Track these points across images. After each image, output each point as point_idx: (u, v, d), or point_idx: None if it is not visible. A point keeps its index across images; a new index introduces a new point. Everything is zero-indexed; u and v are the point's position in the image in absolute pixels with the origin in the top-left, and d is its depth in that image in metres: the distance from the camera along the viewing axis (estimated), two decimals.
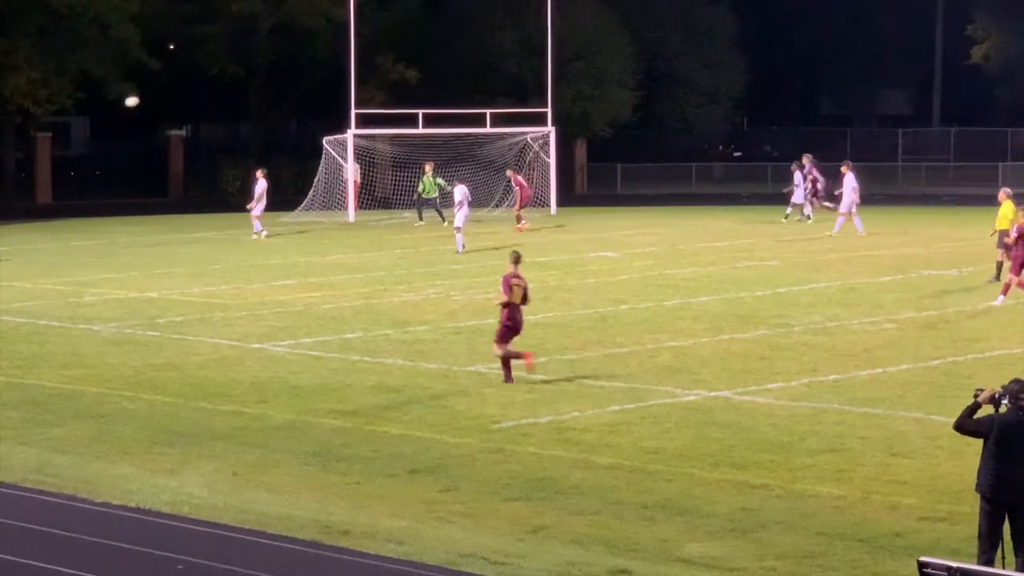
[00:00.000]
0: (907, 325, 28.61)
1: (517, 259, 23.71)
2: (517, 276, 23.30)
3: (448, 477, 17.80)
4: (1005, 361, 24.29)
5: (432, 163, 53.35)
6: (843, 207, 46.71)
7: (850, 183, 46.67)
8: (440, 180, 52.35)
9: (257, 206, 48.45)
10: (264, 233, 48.07)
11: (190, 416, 21.29)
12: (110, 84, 64.18)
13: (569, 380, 23.37)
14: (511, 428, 20.24)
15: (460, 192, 44.48)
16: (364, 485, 17.50)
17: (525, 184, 51.78)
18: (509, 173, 52.33)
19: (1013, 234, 31.74)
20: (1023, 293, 31.29)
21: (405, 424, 20.59)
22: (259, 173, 49.41)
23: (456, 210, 44.00)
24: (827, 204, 50.54)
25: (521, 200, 50.96)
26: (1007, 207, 34.53)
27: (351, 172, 55.30)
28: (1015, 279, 31.22)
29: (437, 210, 52.59)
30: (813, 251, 41.56)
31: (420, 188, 53.18)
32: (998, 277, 33.67)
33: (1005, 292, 31.28)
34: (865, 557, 14.63)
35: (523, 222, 50.27)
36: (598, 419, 20.70)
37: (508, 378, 23.17)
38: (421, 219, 53.19)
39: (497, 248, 43.85)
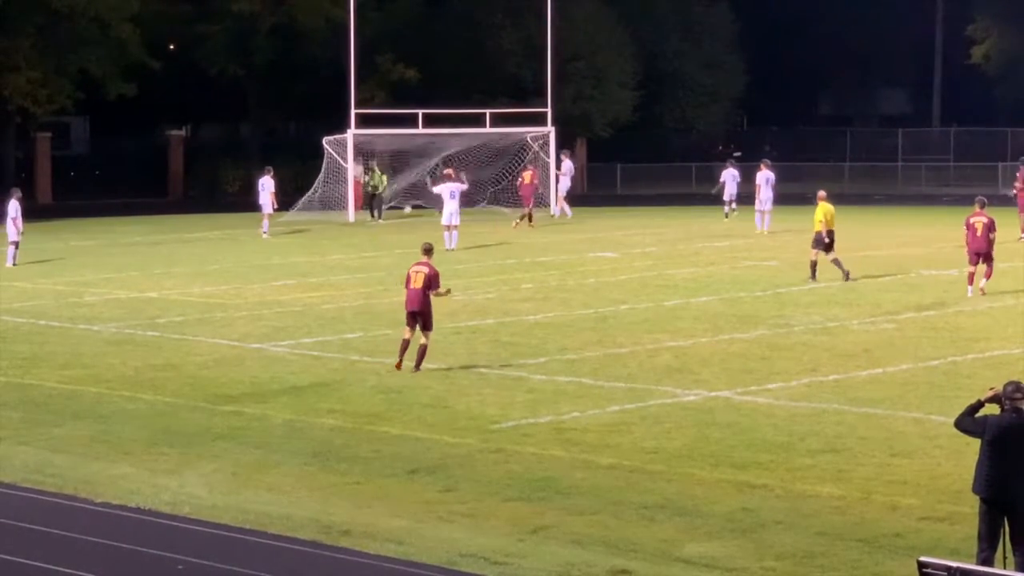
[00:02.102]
0: (907, 325, 28.61)
1: (426, 249, 24.77)
2: (419, 264, 24.30)
3: (448, 477, 17.80)
4: (1005, 361, 24.30)
5: (377, 161, 56.21)
6: (758, 204, 48.17)
7: (764, 180, 48.11)
8: (383, 177, 55.74)
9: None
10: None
11: (190, 416, 21.30)
12: (110, 84, 64.13)
13: (569, 380, 23.37)
14: (511, 428, 20.25)
15: (446, 189, 44.71)
16: (364, 485, 17.50)
17: (527, 183, 52.26)
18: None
19: (967, 226, 32.69)
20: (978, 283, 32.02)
21: (405, 424, 20.59)
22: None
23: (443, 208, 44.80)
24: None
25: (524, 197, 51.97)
26: (823, 208, 35.37)
27: (351, 172, 55.37)
28: (973, 269, 32.41)
29: (377, 208, 55.17)
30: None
31: (371, 185, 55.60)
32: (812, 275, 34.87)
33: (971, 282, 32.38)
34: (865, 557, 14.63)
35: (515, 222, 50.94)
36: (598, 419, 20.71)
37: (398, 366, 23.96)
38: (376, 217, 55.01)
39: (496, 245, 43.89)
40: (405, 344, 24.15)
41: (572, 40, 69.78)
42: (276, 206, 49.89)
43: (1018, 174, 47.48)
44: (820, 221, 35.07)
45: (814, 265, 35.08)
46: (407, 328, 24.18)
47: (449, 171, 53.81)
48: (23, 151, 67.10)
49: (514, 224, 50.55)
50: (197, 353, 26.26)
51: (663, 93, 79.41)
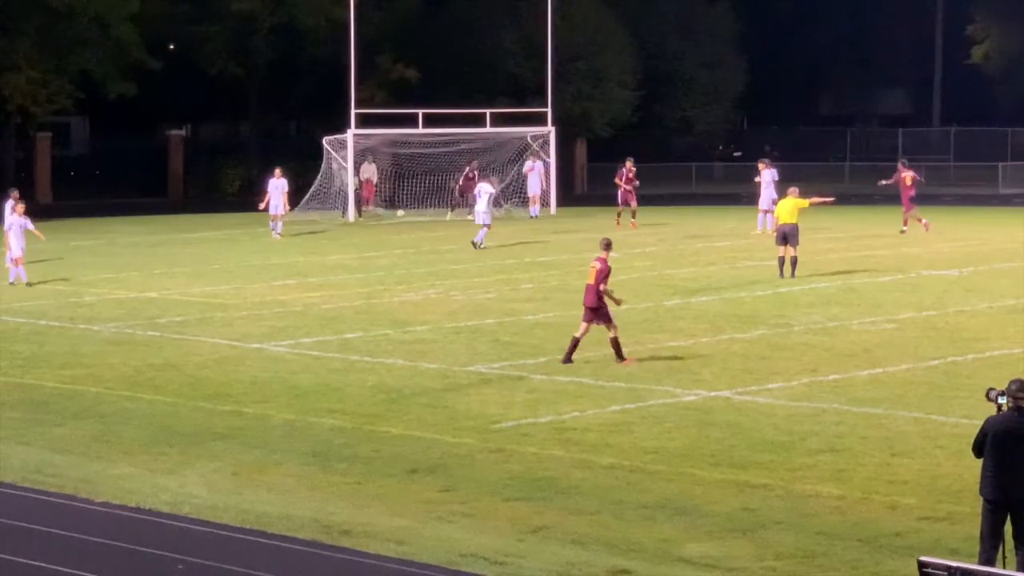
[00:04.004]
0: (907, 325, 28.61)
1: (605, 245, 25.34)
2: (596, 259, 24.80)
3: (448, 477, 17.80)
4: (1005, 361, 24.29)
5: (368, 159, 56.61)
6: (763, 204, 47.65)
7: (768, 180, 47.92)
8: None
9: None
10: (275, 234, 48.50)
11: (190, 416, 21.30)
12: (110, 84, 64.14)
13: (569, 380, 23.37)
14: (511, 428, 20.25)
15: (482, 188, 45.11)
16: (364, 485, 17.50)
17: (626, 179, 51.63)
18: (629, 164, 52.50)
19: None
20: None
21: (405, 424, 20.59)
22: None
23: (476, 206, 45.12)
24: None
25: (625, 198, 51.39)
26: (791, 202, 35.91)
27: (351, 171, 55.39)
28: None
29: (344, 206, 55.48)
30: (813, 251, 41.52)
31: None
32: (792, 273, 35.10)
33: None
34: (865, 557, 14.64)
35: (631, 223, 50.73)
36: (598, 419, 20.71)
37: (619, 357, 24.35)
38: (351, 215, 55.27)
39: (497, 245, 43.89)
40: (575, 341, 24.50)
41: (572, 40, 69.79)
42: (288, 207, 49.60)
43: (899, 176, 47.86)
44: (776, 216, 36.11)
45: (780, 261, 35.41)
46: (582, 324, 24.52)
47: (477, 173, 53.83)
48: (23, 151, 67.08)
49: (632, 224, 50.10)
50: (197, 353, 26.26)
51: (663, 93, 79.37)
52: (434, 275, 37.12)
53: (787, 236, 35.16)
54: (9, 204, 37.44)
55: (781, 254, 35.36)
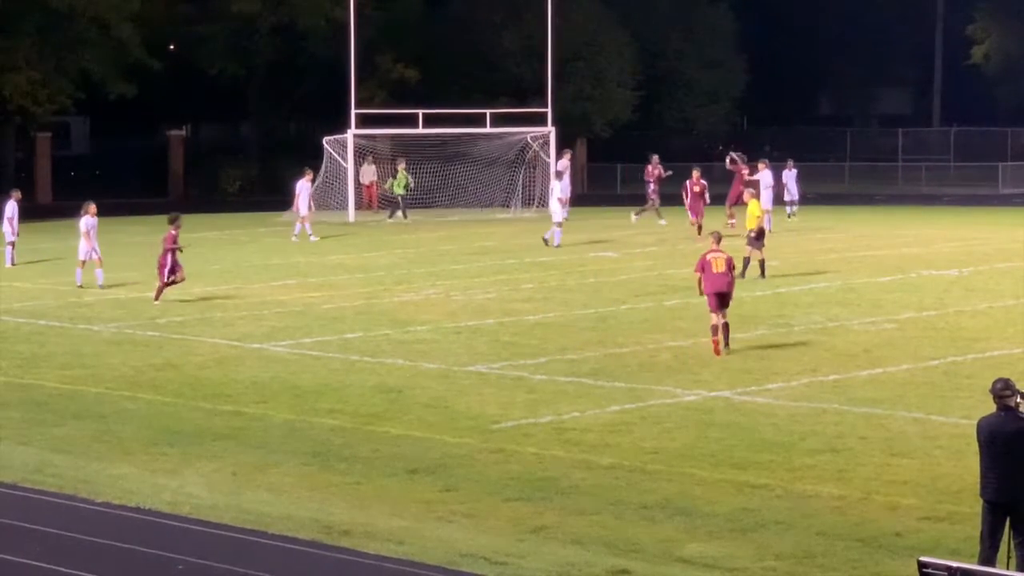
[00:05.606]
0: (907, 325, 28.61)
1: (718, 239, 26.56)
2: (714, 251, 25.77)
3: (448, 477, 17.80)
4: (1005, 361, 24.28)
5: (404, 160, 55.15)
6: (763, 203, 47.28)
7: (766, 181, 47.85)
8: (409, 177, 54.59)
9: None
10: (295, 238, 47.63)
11: (190, 416, 21.30)
12: (110, 84, 64.15)
13: (569, 380, 23.37)
14: (511, 428, 20.25)
15: (555, 187, 45.69)
16: (364, 485, 17.51)
17: (695, 190, 48.45)
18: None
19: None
20: None
21: (405, 424, 20.60)
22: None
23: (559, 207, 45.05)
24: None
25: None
26: (754, 206, 36.70)
27: (351, 172, 55.38)
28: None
29: (402, 208, 54.59)
30: (813, 251, 41.58)
31: (388, 184, 55.13)
32: (753, 272, 35.51)
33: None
34: (865, 557, 14.64)
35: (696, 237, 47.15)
36: (598, 419, 20.71)
37: (716, 350, 25.10)
38: (405, 216, 54.39)
39: (497, 245, 43.91)
40: (716, 329, 25.19)
41: (572, 40, 69.77)
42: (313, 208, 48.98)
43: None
44: (757, 217, 36.32)
45: (746, 261, 35.46)
46: (714, 314, 25.30)
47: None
48: (23, 151, 67.09)
49: (696, 237, 45.93)
50: (197, 353, 26.26)
51: (663, 93, 79.40)
52: (434, 275, 37.12)
53: (760, 237, 35.63)
54: (86, 207, 37.43)
55: (749, 255, 35.49)
